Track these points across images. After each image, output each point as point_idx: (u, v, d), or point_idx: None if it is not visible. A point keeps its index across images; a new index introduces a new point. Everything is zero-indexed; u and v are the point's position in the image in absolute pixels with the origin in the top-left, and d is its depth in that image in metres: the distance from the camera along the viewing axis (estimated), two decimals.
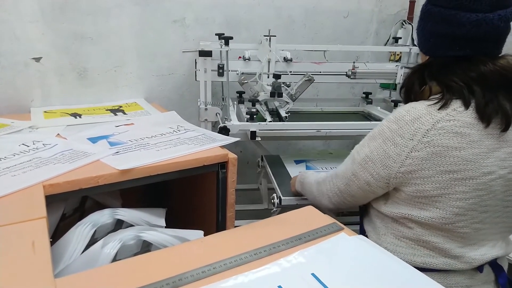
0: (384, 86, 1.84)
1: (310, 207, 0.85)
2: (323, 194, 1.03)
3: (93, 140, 1.11)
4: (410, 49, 1.64)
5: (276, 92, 1.41)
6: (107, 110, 1.45)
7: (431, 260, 0.86)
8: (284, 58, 1.53)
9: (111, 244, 0.76)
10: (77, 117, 1.36)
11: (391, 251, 0.87)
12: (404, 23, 1.89)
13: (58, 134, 1.17)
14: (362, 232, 1.01)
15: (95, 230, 0.82)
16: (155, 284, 0.57)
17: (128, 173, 0.90)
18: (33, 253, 0.61)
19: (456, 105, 0.79)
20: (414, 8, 1.89)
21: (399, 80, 1.53)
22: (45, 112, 1.40)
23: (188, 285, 0.58)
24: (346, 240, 0.71)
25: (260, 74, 1.47)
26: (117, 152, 1.00)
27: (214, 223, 1.08)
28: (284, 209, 1.20)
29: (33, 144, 1.06)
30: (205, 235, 0.75)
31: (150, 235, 0.80)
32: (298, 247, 0.68)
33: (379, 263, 0.65)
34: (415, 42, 0.97)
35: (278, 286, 0.57)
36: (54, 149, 1.02)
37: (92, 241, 0.80)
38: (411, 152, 0.80)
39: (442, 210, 0.81)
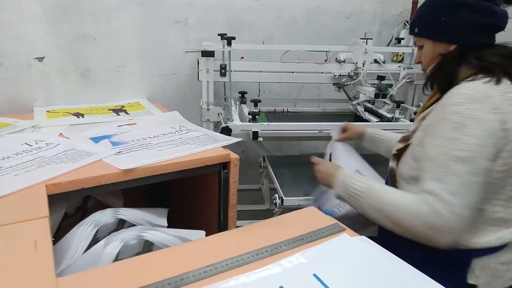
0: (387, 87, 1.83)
1: (312, 207, 0.85)
2: (434, 228, 0.79)
3: (96, 139, 1.11)
4: (413, 49, 1.63)
5: (381, 93, 1.44)
6: (109, 110, 1.46)
7: (503, 234, 0.87)
8: (375, 60, 1.57)
9: (113, 243, 0.76)
10: (80, 116, 1.36)
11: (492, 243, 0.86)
12: (406, 24, 1.88)
13: (61, 133, 1.18)
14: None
15: (97, 230, 0.82)
16: (156, 284, 0.57)
17: (130, 173, 0.90)
18: (35, 252, 0.61)
19: (505, 80, 0.85)
20: (417, 9, 1.89)
21: (401, 80, 1.53)
22: (47, 111, 1.40)
23: (189, 285, 0.58)
24: (348, 241, 0.70)
25: (364, 76, 1.51)
26: (120, 152, 1.00)
27: (216, 223, 1.08)
28: (286, 209, 1.20)
29: (36, 143, 1.06)
30: (206, 235, 0.75)
31: (152, 235, 0.80)
32: (300, 248, 0.68)
33: (380, 263, 0.65)
34: (426, 33, 0.96)
35: (279, 287, 0.57)
36: (57, 149, 1.02)
37: (94, 240, 0.80)
38: (502, 124, 0.80)
39: None
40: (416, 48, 1.02)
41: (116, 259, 0.75)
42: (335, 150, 1.24)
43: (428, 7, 0.96)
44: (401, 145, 0.97)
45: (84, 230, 0.80)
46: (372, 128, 1.28)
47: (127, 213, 0.87)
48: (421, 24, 0.97)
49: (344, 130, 1.29)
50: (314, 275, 0.60)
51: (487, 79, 0.85)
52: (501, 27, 0.90)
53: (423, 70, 1.01)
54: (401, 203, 0.83)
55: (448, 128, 0.82)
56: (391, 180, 1.00)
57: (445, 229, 0.78)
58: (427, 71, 0.98)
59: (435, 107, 0.92)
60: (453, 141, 0.80)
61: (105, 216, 0.84)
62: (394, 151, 1.00)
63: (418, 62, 1.02)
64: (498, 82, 0.84)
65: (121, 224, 0.88)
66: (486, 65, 0.87)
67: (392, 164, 0.99)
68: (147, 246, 0.83)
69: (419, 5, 1.88)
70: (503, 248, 0.87)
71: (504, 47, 0.90)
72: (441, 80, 0.92)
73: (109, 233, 0.82)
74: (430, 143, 0.86)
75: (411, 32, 1.00)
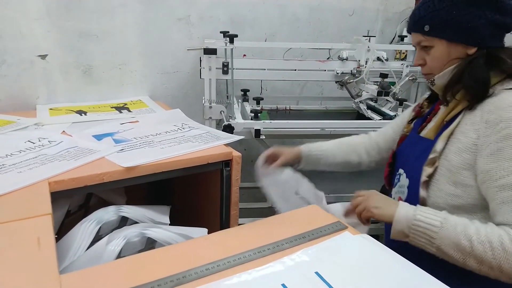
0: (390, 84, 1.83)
1: (314, 205, 0.85)
2: None
3: (98, 137, 1.11)
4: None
5: (384, 91, 1.43)
6: (112, 107, 1.46)
7: None
8: (378, 58, 1.56)
9: (116, 241, 0.76)
10: (82, 114, 1.36)
11: None
12: None
13: (64, 131, 1.18)
14: None
15: (100, 227, 0.82)
16: (159, 281, 0.57)
17: (133, 170, 0.90)
18: (38, 250, 0.61)
19: None
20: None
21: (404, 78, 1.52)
22: (50, 109, 1.41)
23: (192, 282, 0.58)
24: (350, 239, 0.70)
25: (367, 73, 1.50)
26: (122, 149, 1.01)
27: (218, 221, 1.08)
28: None
29: (39, 141, 1.07)
30: (209, 232, 0.75)
31: (154, 233, 0.80)
32: (302, 246, 0.68)
33: (382, 262, 0.65)
34: (445, 35, 0.83)
35: (281, 285, 0.58)
36: (60, 146, 1.03)
37: (97, 238, 0.80)
38: None
39: None
40: (416, 48, 0.89)
41: (119, 256, 0.76)
42: (265, 185, 1.00)
43: (441, 2, 0.83)
44: (430, 170, 0.82)
45: (86, 227, 0.80)
46: (306, 144, 1.11)
47: (129, 211, 0.88)
48: (433, 22, 0.83)
49: (272, 157, 1.05)
50: (316, 273, 0.60)
51: None
52: None
53: (427, 74, 0.89)
54: (489, 239, 0.70)
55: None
56: None
57: None
58: (437, 77, 0.86)
59: (465, 121, 0.81)
60: None
61: (107, 214, 0.85)
62: (424, 178, 0.83)
63: (420, 65, 0.89)
64: None
65: (124, 221, 0.88)
66: (505, 70, 0.79)
67: (422, 193, 0.83)
68: (150, 244, 0.84)
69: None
70: None
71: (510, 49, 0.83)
72: (474, 87, 0.80)
73: (112, 231, 0.82)
74: (500, 167, 0.73)
75: (417, 29, 0.86)
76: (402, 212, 0.77)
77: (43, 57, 1.44)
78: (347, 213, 0.88)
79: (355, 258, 0.65)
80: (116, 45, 1.53)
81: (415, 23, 0.87)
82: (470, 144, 0.78)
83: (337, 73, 1.56)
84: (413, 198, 0.86)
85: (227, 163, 1.02)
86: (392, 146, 1.04)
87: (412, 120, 1.00)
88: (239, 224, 1.08)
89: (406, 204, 0.79)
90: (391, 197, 0.95)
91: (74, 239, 0.78)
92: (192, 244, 0.70)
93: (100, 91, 1.56)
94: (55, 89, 1.49)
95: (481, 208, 0.79)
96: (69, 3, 1.42)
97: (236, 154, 1.02)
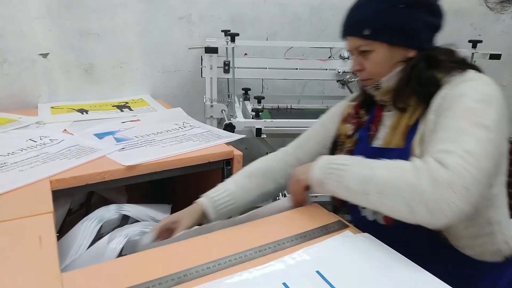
0: None
1: (315, 204, 0.85)
2: (454, 190, 0.61)
3: (100, 136, 1.11)
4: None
5: None
6: (113, 106, 1.46)
7: None
8: None
9: (117, 239, 0.77)
10: (84, 113, 1.37)
11: None
12: None
13: (65, 129, 1.18)
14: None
15: (101, 226, 0.82)
16: (160, 280, 0.57)
17: (134, 169, 0.90)
18: (40, 248, 0.62)
19: None
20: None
21: None
22: (52, 108, 1.41)
23: (193, 280, 0.58)
24: (351, 238, 0.70)
25: None
26: (123, 148, 1.01)
27: None
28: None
29: (40, 139, 1.07)
30: None
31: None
32: (303, 245, 0.68)
33: (383, 261, 0.65)
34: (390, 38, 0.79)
35: (282, 283, 0.58)
36: (61, 145, 1.03)
37: (98, 236, 0.81)
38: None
39: None
40: (353, 53, 0.83)
41: (120, 254, 0.76)
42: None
43: (380, 4, 0.79)
44: None
45: (88, 225, 0.80)
46: (206, 194, 0.90)
47: (130, 209, 0.88)
48: (374, 25, 0.78)
49: (167, 229, 0.82)
50: (317, 272, 0.60)
51: (474, 71, 0.78)
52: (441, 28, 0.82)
53: (366, 80, 0.84)
54: (395, 164, 0.68)
55: (468, 100, 0.71)
56: None
57: (456, 188, 0.60)
58: (385, 79, 0.82)
59: (427, 118, 0.77)
60: (476, 110, 0.69)
61: (109, 212, 0.85)
62: None
63: (358, 71, 0.83)
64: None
65: (125, 220, 0.88)
66: (459, 62, 0.80)
67: None
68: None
69: None
70: None
71: (443, 48, 0.82)
72: (424, 91, 0.78)
73: (113, 229, 0.83)
74: (445, 115, 0.72)
75: (355, 33, 0.81)
76: (319, 161, 0.76)
77: (45, 56, 1.44)
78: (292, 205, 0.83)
79: (356, 257, 0.65)
80: (117, 43, 1.53)
81: (352, 27, 0.82)
82: (434, 127, 0.75)
83: (339, 72, 1.56)
84: None
85: (228, 162, 1.02)
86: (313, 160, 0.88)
87: (353, 133, 0.92)
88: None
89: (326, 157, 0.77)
90: (362, 218, 0.86)
91: (75, 237, 0.79)
92: (193, 243, 0.70)
93: (101, 90, 1.56)
94: (56, 87, 1.49)
95: None
96: (70, 2, 1.42)
97: (237, 153, 1.02)
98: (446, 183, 0.61)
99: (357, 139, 0.90)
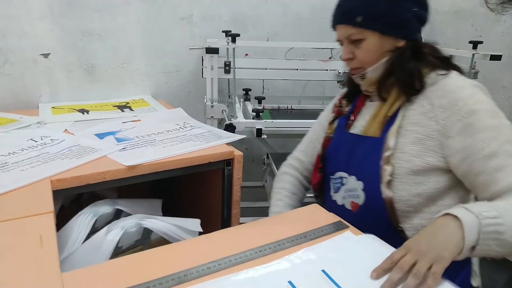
0: None
1: (316, 205, 0.85)
2: None
3: (100, 136, 1.12)
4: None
5: None
6: (114, 106, 1.46)
7: None
8: None
9: (114, 231, 0.79)
10: (85, 113, 1.37)
11: None
12: None
13: (66, 129, 1.18)
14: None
15: (96, 220, 0.84)
16: (160, 280, 0.58)
17: (135, 169, 0.90)
18: (40, 248, 0.62)
19: None
20: None
21: None
22: (53, 108, 1.41)
23: (193, 280, 0.58)
24: (355, 238, 0.70)
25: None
26: (124, 148, 1.01)
27: (220, 220, 1.08)
28: None
29: (41, 139, 1.07)
30: (210, 231, 0.75)
31: (151, 223, 0.82)
32: (303, 245, 0.68)
33: None
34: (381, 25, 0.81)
35: (288, 282, 0.58)
36: (62, 145, 1.03)
37: (92, 230, 0.82)
38: None
39: None
40: (343, 42, 0.85)
41: (116, 246, 0.77)
42: None
43: None
44: (390, 168, 0.80)
45: (83, 219, 0.82)
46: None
47: (124, 204, 0.90)
48: (367, 13, 0.80)
49: None
50: (323, 271, 0.60)
51: (457, 72, 0.83)
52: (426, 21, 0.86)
53: (356, 69, 0.86)
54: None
55: (486, 117, 0.74)
56: (389, 211, 0.81)
57: None
58: (370, 70, 0.84)
59: (411, 112, 0.81)
60: (501, 127, 0.73)
61: (103, 207, 0.87)
62: (388, 177, 0.79)
63: (349, 59, 0.86)
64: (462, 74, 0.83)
65: (118, 214, 0.90)
66: (443, 60, 0.84)
67: (387, 192, 0.80)
68: (146, 234, 0.86)
69: None
70: None
71: (428, 43, 0.86)
72: (407, 80, 0.81)
73: (107, 223, 0.84)
74: (477, 139, 0.73)
75: (347, 21, 0.82)
76: (467, 222, 0.61)
77: (46, 55, 1.44)
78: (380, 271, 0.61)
79: (361, 257, 0.65)
80: (118, 44, 1.54)
81: (345, 15, 0.84)
82: (431, 131, 0.78)
83: (339, 73, 1.56)
84: (373, 199, 0.83)
85: (229, 162, 1.02)
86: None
87: (333, 120, 0.97)
88: (240, 223, 1.09)
89: (461, 212, 0.64)
90: (333, 202, 0.91)
91: (71, 231, 0.80)
92: (194, 243, 0.70)
93: (102, 90, 1.56)
94: (57, 87, 1.49)
95: (443, 192, 0.80)
96: (72, 2, 1.42)
97: (237, 153, 1.02)
98: None
99: (336, 127, 0.96)
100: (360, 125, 0.90)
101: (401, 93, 0.82)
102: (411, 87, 0.81)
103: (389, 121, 0.83)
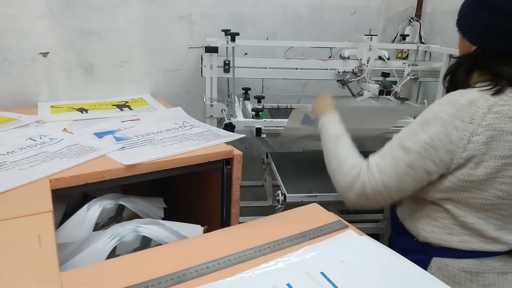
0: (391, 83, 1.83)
1: (315, 204, 0.85)
2: (350, 187, 0.88)
3: (99, 135, 1.11)
4: (418, 46, 1.62)
5: (385, 90, 1.42)
6: (113, 105, 1.46)
7: (468, 238, 0.85)
8: (380, 56, 1.55)
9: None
10: (84, 112, 1.36)
11: (428, 231, 0.89)
12: (412, 20, 1.87)
13: (65, 129, 1.18)
14: (394, 217, 1.00)
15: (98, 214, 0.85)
16: (159, 279, 0.57)
17: (134, 168, 0.90)
18: (39, 247, 0.61)
19: (508, 91, 0.79)
20: (422, 5, 1.87)
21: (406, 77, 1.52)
22: (52, 107, 1.41)
23: (192, 280, 0.58)
24: (353, 238, 0.70)
25: (368, 72, 1.49)
26: (123, 147, 1.01)
27: (219, 219, 1.08)
28: (288, 206, 1.20)
29: (40, 138, 1.07)
30: (209, 231, 0.75)
31: (148, 230, 0.82)
32: (303, 244, 0.68)
33: (388, 263, 0.64)
34: (460, 30, 0.89)
35: (286, 284, 0.57)
36: (61, 144, 1.03)
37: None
38: (472, 136, 0.77)
39: (485, 192, 0.81)
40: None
41: (114, 256, 0.76)
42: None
43: None
44: None
45: (92, 212, 0.84)
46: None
47: (126, 200, 0.91)
48: (460, 15, 0.88)
49: None
50: (322, 273, 0.60)
51: (487, 87, 0.80)
52: None
53: None
54: (342, 161, 0.92)
55: (417, 121, 0.84)
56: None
57: (357, 191, 0.87)
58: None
59: None
60: (412, 132, 0.84)
61: (106, 201, 0.88)
62: None
63: None
64: (498, 92, 0.78)
65: (120, 210, 0.90)
66: (499, 74, 0.80)
67: None
68: (145, 241, 0.84)
69: (424, 1, 1.87)
70: (468, 255, 0.85)
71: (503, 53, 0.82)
72: (449, 85, 0.88)
73: (109, 219, 0.85)
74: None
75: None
76: (323, 120, 1.04)
77: (45, 54, 1.44)
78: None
79: (360, 258, 0.65)
80: (117, 43, 1.53)
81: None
82: None
83: (339, 72, 1.56)
84: None
85: (228, 161, 1.02)
86: None
87: None
88: (240, 223, 1.08)
89: (332, 115, 1.03)
90: None
91: (80, 221, 0.82)
92: (193, 242, 0.70)
93: (101, 89, 1.56)
94: (56, 86, 1.49)
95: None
96: (71, 1, 1.42)
97: (237, 152, 1.02)
98: (355, 187, 0.88)
99: None
100: None
101: None
102: (448, 85, 0.91)
103: None
